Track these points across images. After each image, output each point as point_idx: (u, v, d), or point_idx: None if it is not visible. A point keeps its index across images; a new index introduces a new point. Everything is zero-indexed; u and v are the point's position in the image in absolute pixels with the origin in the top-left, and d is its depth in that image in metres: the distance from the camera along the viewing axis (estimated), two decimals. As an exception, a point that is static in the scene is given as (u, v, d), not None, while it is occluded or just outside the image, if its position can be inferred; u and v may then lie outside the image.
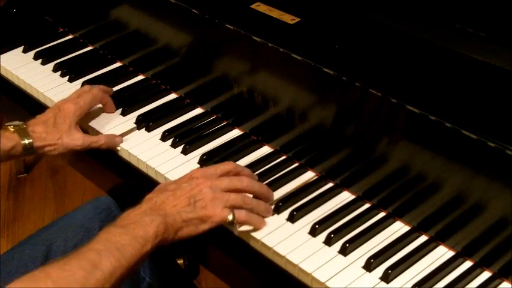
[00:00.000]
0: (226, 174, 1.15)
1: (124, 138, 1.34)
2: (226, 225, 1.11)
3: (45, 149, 1.28)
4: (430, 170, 1.07)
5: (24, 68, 1.57)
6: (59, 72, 1.54)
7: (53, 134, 1.28)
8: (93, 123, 1.38)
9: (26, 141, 1.26)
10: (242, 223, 1.11)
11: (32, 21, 1.70)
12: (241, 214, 1.11)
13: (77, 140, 1.29)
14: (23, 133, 1.26)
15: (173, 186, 1.12)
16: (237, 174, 1.16)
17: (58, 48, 1.63)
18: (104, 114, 1.40)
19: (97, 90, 1.37)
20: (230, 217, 1.09)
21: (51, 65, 1.57)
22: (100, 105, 1.40)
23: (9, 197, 2.48)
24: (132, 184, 1.34)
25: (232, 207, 1.11)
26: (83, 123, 1.37)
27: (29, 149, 1.26)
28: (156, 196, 1.10)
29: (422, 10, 1.21)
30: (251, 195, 1.15)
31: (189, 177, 1.13)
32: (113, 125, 1.38)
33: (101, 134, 1.35)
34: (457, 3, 1.18)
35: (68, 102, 1.32)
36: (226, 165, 1.17)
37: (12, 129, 1.26)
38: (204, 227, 1.09)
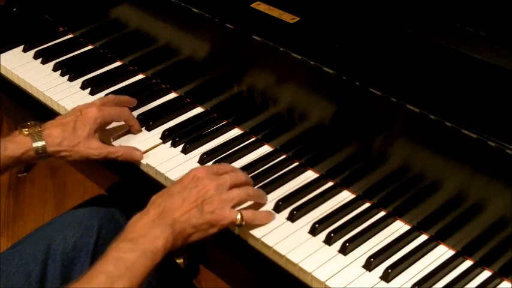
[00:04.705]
0: (226, 173, 1.15)
1: (124, 138, 1.34)
2: (234, 226, 1.10)
3: (60, 154, 1.23)
4: (430, 169, 1.07)
5: (24, 67, 1.57)
6: (59, 72, 1.54)
7: (69, 140, 1.22)
8: None
9: (39, 145, 1.20)
10: (250, 223, 1.11)
11: (32, 20, 1.70)
12: (248, 214, 1.11)
13: (94, 149, 1.24)
14: (37, 136, 1.20)
15: (179, 188, 1.10)
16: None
17: (58, 47, 1.63)
18: None
19: (128, 109, 1.32)
20: (239, 217, 1.09)
21: (51, 64, 1.57)
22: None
23: (9, 196, 2.48)
24: (132, 183, 1.34)
25: (239, 204, 1.11)
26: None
27: (42, 153, 1.21)
28: (164, 200, 1.08)
29: (422, 9, 1.21)
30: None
31: (193, 178, 1.11)
32: (113, 124, 1.37)
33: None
34: (457, 2, 1.18)
35: (91, 106, 1.27)
36: (226, 166, 1.18)
37: (26, 132, 1.21)
38: (213, 230, 1.09)
